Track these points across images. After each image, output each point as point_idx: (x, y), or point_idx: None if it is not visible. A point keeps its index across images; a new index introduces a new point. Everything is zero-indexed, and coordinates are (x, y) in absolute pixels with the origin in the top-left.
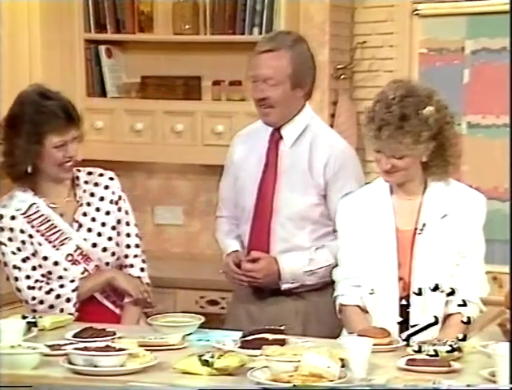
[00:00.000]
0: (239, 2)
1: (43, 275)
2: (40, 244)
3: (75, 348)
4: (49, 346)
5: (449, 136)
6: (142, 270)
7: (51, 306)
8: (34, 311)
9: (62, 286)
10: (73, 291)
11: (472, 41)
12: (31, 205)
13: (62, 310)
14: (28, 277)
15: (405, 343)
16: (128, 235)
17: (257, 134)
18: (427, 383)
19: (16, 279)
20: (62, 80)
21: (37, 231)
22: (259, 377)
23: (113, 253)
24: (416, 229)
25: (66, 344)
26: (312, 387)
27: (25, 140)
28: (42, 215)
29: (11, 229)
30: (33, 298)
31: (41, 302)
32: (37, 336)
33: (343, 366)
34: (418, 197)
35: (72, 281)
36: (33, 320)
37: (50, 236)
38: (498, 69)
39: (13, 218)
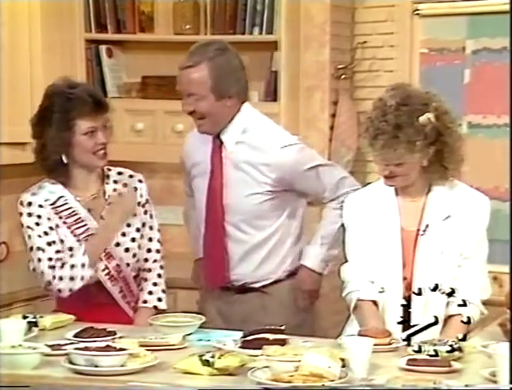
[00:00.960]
0: (239, 2)
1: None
2: (65, 236)
3: (76, 348)
4: (49, 346)
5: (449, 141)
6: (159, 276)
7: (72, 278)
8: (60, 291)
9: (71, 256)
10: (83, 254)
11: (473, 41)
12: (59, 198)
13: (82, 278)
14: (50, 259)
15: (405, 343)
16: (151, 239)
17: (204, 138)
18: (427, 383)
19: (39, 260)
20: None
21: (64, 222)
22: (260, 377)
23: (134, 255)
24: (419, 230)
25: (66, 344)
26: (313, 387)
27: (56, 130)
28: (70, 208)
29: (39, 216)
30: (54, 277)
31: (61, 278)
32: (38, 336)
33: (343, 366)
34: (421, 198)
35: (80, 245)
36: (34, 320)
37: (76, 229)
38: (499, 69)
39: (41, 206)
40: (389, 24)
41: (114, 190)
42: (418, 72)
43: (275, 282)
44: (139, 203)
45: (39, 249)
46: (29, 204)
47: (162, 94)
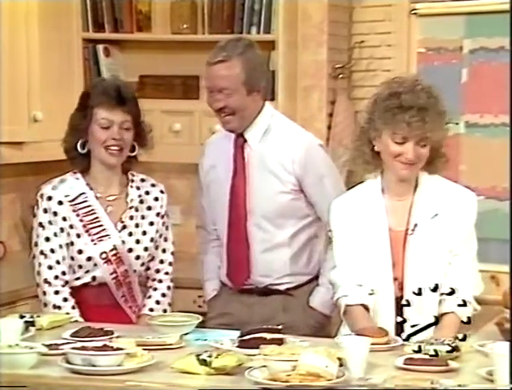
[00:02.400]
0: (237, 2)
1: (63, 273)
2: (78, 236)
3: (73, 348)
4: (46, 345)
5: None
6: (169, 288)
7: (58, 307)
8: (45, 305)
9: (65, 300)
10: (73, 308)
11: (470, 41)
12: (80, 194)
13: (66, 312)
14: (50, 267)
15: (402, 342)
16: (164, 250)
17: (222, 142)
18: (424, 383)
19: (40, 264)
20: (59, 79)
21: (81, 220)
22: (257, 376)
23: (142, 264)
24: (408, 229)
25: (63, 344)
26: (310, 386)
27: (77, 114)
28: (89, 206)
29: (55, 213)
30: (44, 293)
31: (45, 305)
32: (35, 336)
33: (341, 366)
34: (409, 197)
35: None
36: (31, 319)
37: (92, 229)
38: (496, 68)
39: (60, 203)
40: (387, 24)
41: (139, 196)
42: (416, 72)
43: (299, 286)
44: (158, 214)
45: (42, 252)
46: (49, 198)
47: (160, 94)
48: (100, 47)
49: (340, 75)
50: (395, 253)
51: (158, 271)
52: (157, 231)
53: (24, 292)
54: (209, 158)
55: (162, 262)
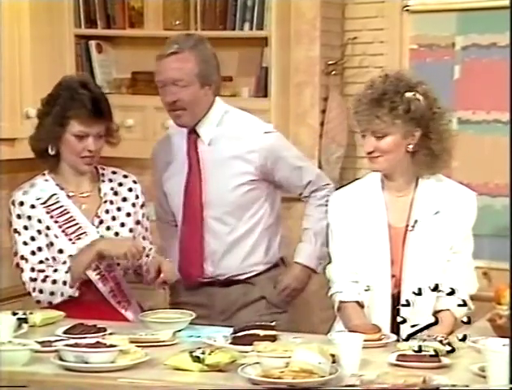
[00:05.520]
0: None
1: (48, 266)
2: (56, 237)
3: (66, 345)
4: (39, 343)
5: (437, 127)
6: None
7: (52, 293)
8: (39, 302)
9: (55, 270)
10: (66, 272)
11: (462, 37)
12: (51, 196)
13: (62, 294)
14: (32, 269)
15: (395, 338)
16: (144, 238)
17: (174, 139)
18: (417, 379)
19: (22, 270)
20: (51, 75)
21: (55, 221)
22: (250, 373)
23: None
24: (408, 226)
25: (56, 341)
26: (303, 383)
27: (51, 121)
28: (62, 207)
29: (29, 217)
30: (34, 289)
31: (41, 291)
32: (28, 333)
33: (334, 362)
34: (409, 193)
35: (64, 262)
36: (24, 316)
37: (68, 228)
38: (488, 65)
39: (33, 206)
40: (379, 20)
41: (112, 189)
42: (408, 68)
43: (259, 274)
44: (134, 204)
45: (22, 257)
46: (21, 204)
47: (152, 90)
48: (92, 43)
49: (333, 72)
50: (394, 249)
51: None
52: (138, 222)
53: (17, 290)
54: (162, 154)
55: (144, 248)
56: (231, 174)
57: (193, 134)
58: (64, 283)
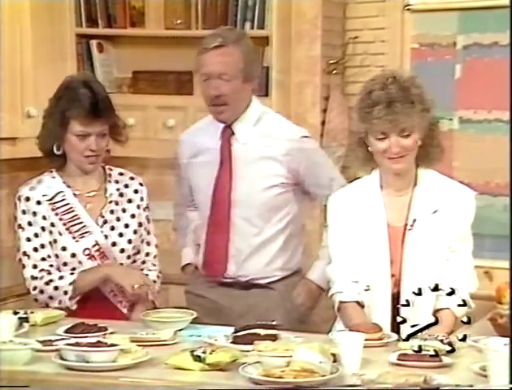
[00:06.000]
0: None
1: (51, 265)
2: (60, 234)
3: (67, 344)
4: (40, 342)
5: (431, 119)
6: (154, 282)
7: (50, 297)
8: (36, 301)
9: (61, 278)
10: (70, 284)
11: (464, 36)
12: (58, 193)
13: (60, 302)
14: (34, 266)
15: (396, 337)
16: (149, 243)
17: (205, 132)
18: (418, 378)
19: (24, 266)
20: (52, 74)
21: (60, 219)
22: (251, 372)
23: (128, 256)
24: (406, 225)
25: (57, 340)
26: (304, 382)
27: (53, 121)
28: (67, 204)
29: (34, 213)
30: (34, 288)
31: (41, 292)
32: (29, 332)
33: (335, 361)
34: (408, 192)
35: (72, 274)
36: (25, 316)
37: (72, 226)
38: (490, 64)
39: (38, 203)
40: (380, 19)
41: (118, 190)
42: (409, 67)
43: (279, 279)
44: (139, 206)
45: (25, 253)
46: (27, 199)
47: (154, 89)
48: (93, 42)
49: (334, 71)
50: (393, 249)
51: (143, 262)
52: (140, 225)
53: (18, 289)
54: (191, 144)
55: (147, 254)
56: (263, 174)
57: (227, 130)
58: (65, 292)
